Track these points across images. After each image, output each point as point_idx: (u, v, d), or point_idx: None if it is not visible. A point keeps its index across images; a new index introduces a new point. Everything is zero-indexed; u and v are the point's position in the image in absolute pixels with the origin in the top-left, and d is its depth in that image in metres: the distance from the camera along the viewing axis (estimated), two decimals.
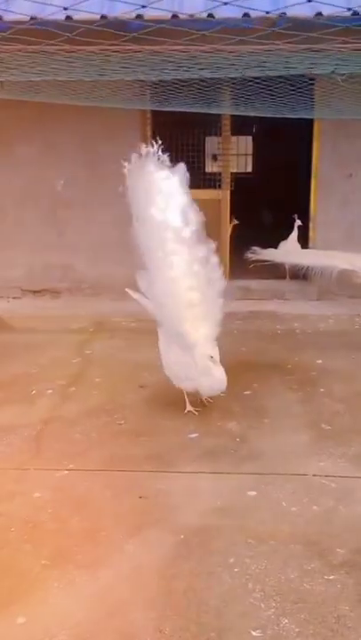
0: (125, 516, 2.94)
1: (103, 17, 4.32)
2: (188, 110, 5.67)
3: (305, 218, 7.33)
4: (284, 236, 7.40)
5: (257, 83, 4.53)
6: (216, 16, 4.39)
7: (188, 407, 4.10)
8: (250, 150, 13.94)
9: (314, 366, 4.97)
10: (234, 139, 10.00)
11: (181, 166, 3.99)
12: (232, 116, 7.26)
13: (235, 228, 7.53)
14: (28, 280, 7.46)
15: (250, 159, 14.05)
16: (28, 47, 3.08)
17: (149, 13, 4.26)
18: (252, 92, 4.77)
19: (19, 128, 7.14)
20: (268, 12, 3.88)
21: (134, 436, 3.78)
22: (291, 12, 4.21)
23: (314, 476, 3.28)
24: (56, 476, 3.32)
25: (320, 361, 5.06)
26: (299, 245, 7.31)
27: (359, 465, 3.41)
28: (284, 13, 4.19)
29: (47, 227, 7.34)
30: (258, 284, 7.30)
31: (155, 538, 2.77)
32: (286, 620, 2.26)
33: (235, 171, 10.76)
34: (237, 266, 7.01)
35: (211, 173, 7.78)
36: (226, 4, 3.62)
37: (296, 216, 7.37)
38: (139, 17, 4.28)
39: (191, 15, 4.20)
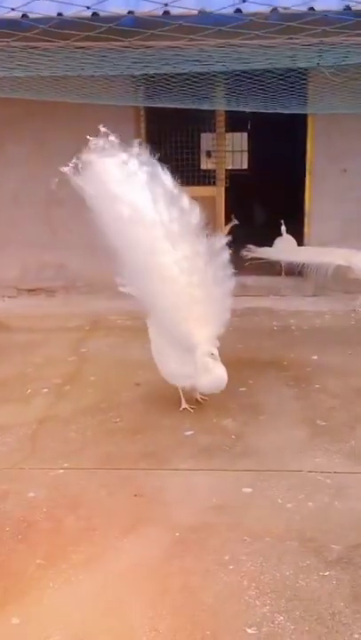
0: (121, 514, 2.93)
1: (95, 14, 4.29)
2: (180, 107, 5.64)
3: (300, 213, 7.31)
4: (280, 233, 7.37)
5: (249, 78, 4.51)
6: (208, 10, 4.36)
7: (184, 404, 4.08)
8: (245, 147, 13.91)
9: (310, 362, 4.96)
10: (229, 135, 9.98)
11: (139, 147, 3.61)
12: (227, 112, 7.24)
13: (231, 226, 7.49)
14: (22, 279, 7.44)
15: (245, 156, 14.01)
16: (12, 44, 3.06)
17: (140, 10, 4.24)
18: (244, 87, 4.75)
19: (9, 126, 7.10)
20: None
21: (130, 434, 3.77)
22: (283, 6, 4.19)
23: (309, 472, 3.28)
24: (51, 475, 3.31)
25: (316, 357, 5.05)
26: (294, 241, 7.28)
27: (355, 461, 3.40)
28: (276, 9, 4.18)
29: (41, 225, 7.30)
30: (254, 281, 7.27)
31: (150, 536, 2.76)
32: (281, 618, 2.25)
33: (230, 167, 10.73)
34: (233, 262, 6.96)
35: (205, 170, 7.76)
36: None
37: (282, 221, 7.25)
38: (130, 13, 4.26)
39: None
